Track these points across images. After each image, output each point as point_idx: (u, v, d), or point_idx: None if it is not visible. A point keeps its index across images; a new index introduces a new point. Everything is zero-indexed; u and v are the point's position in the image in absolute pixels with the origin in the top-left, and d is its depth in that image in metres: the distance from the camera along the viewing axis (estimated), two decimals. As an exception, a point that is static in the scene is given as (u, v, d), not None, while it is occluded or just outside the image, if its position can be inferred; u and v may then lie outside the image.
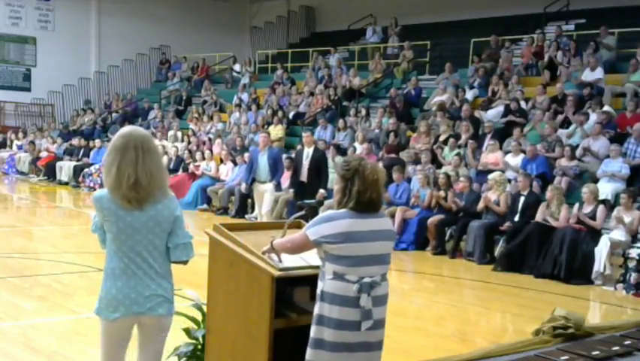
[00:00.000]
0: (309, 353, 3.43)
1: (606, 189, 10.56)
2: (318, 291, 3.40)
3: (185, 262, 3.50)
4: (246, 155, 13.53)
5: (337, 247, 3.32)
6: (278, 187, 11.19)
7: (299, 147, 12.57)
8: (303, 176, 10.70)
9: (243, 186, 11.91)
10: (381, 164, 14.19)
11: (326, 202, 12.33)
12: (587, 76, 13.92)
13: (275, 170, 10.66)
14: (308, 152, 10.76)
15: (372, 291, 3.36)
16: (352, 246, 3.33)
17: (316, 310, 3.40)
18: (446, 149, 12.94)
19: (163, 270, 3.40)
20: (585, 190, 9.67)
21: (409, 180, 12.03)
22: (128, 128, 3.38)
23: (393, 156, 13.64)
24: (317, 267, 3.53)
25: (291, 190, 11.23)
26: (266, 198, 10.79)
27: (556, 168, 11.34)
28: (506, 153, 12.17)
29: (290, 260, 3.63)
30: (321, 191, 10.52)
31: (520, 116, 13.44)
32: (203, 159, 15.45)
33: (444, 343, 6.15)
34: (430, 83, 17.28)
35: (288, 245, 3.53)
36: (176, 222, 3.37)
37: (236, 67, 23.17)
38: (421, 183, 11.53)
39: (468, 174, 11.60)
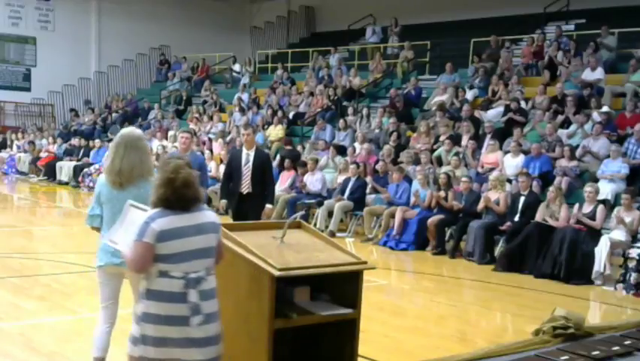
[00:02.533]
0: (135, 350, 3.46)
1: (606, 189, 10.56)
2: (142, 289, 3.47)
3: None
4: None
5: (163, 245, 3.40)
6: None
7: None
8: (244, 186, 7.94)
9: None
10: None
11: (326, 202, 12.38)
12: (587, 76, 13.92)
13: (200, 182, 8.60)
14: (249, 154, 7.99)
15: (199, 286, 3.43)
16: (174, 243, 3.41)
17: (142, 308, 3.45)
18: (440, 150, 12.94)
19: None
20: (589, 189, 9.67)
21: (409, 180, 12.03)
22: (125, 130, 4.56)
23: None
24: (318, 267, 3.53)
25: (223, 201, 8.30)
26: None
27: (556, 168, 11.35)
28: (506, 153, 12.18)
29: (291, 260, 3.63)
30: (268, 206, 7.98)
31: (521, 116, 13.44)
32: (203, 159, 15.42)
33: (444, 343, 6.14)
34: (430, 83, 17.28)
35: (137, 266, 3.48)
36: (148, 198, 4.01)
37: (236, 67, 23.18)
38: (421, 183, 11.53)
39: (467, 174, 11.61)
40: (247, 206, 7.80)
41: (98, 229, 4.46)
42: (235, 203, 7.95)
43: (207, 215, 3.60)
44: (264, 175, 7.93)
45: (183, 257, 3.44)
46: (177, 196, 3.48)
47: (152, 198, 3.55)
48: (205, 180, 8.19)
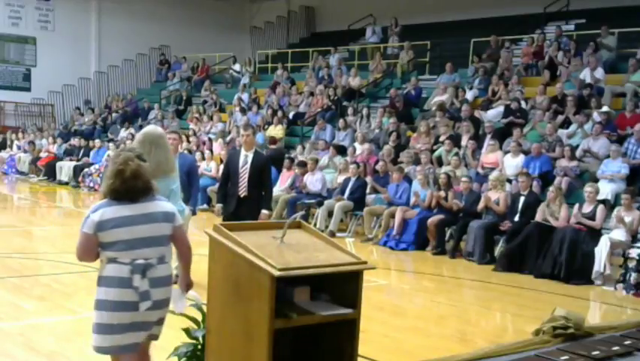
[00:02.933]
0: (95, 338, 3.67)
1: (606, 189, 10.57)
2: (97, 277, 3.69)
3: None
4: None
5: (106, 233, 3.59)
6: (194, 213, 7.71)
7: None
8: (241, 189, 7.49)
9: None
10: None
11: (326, 202, 12.38)
12: (587, 76, 13.93)
13: (189, 186, 7.39)
14: (247, 156, 7.57)
15: (149, 273, 3.62)
16: (117, 231, 3.60)
17: (96, 295, 3.66)
18: (440, 150, 12.93)
19: None
20: (589, 189, 9.66)
21: (409, 180, 12.03)
22: (148, 128, 4.94)
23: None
24: (318, 267, 3.53)
25: (218, 205, 8.01)
26: None
27: (556, 168, 11.36)
28: (506, 153, 12.18)
29: (291, 260, 3.62)
30: (265, 212, 7.48)
31: (521, 116, 13.43)
32: (203, 159, 15.44)
33: (444, 343, 6.15)
34: (430, 83, 17.29)
35: (78, 253, 3.70)
36: (170, 194, 4.72)
37: (236, 67, 23.16)
38: (421, 183, 11.53)
39: (467, 174, 11.61)
40: (244, 210, 7.33)
41: None
42: (234, 206, 7.51)
43: (159, 205, 3.77)
44: (261, 178, 7.55)
45: (130, 244, 3.61)
46: (127, 187, 3.64)
47: (102, 188, 3.73)
48: (195, 181, 7.77)
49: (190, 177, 7.51)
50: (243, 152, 7.64)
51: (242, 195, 7.49)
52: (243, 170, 7.50)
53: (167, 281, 3.76)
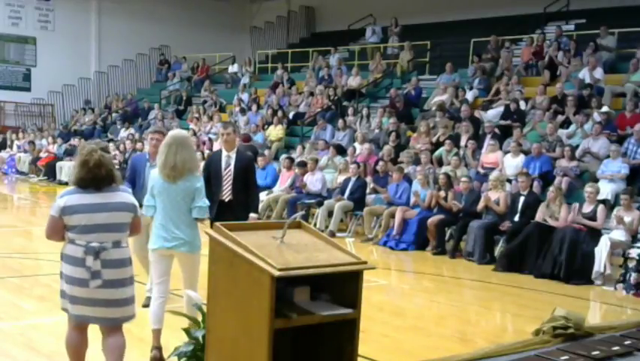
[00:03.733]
0: (60, 301, 4.26)
1: (606, 189, 10.57)
2: (60, 253, 4.21)
3: (202, 220, 5.18)
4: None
5: (69, 217, 4.10)
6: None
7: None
8: (224, 192, 6.84)
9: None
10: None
11: (326, 202, 12.38)
12: (587, 76, 13.92)
13: None
14: (229, 157, 6.86)
15: (102, 255, 4.08)
16: (78, 216, 4.09)
17: (61, 268, 4.20)
18: (440, 150, 12.93)
19: (186, 222, 5.07)
20: (590, 189, 9.66)
21: (409, 180, 12.03)
22: (173, 131, 5.34)
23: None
24: (318, 267, 3.53)
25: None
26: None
27: (556, 168, 11.35)
28: (506, 153, 12.18)
29: (291, 260, 3.62)
30: (252, 216, 6.79)
31: (518, 118, 13.40)
32: (204, 159, 15.42)
33: (444, 343, 6.15)
34: (430, 83, 17.29)
35: (47, 233, 4.23)
36: (195, 191, 5.05)
37: (235, 67, 23.14)
38: (421, 183, 11.52)
39: (467, 174, 11.60)
40: (228, 215, 6.40)
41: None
42: (214, 212, 6.57)
43: (120, 195, 4.23)
44: (246, 180, 6.89)
45: (88, 229, 4.08)
46: (92, 175, 4.10)
47: (71, 178, 4.21)
48: None
49: None
50: (224, 153, 6.89)
51: (226, 200, 6.83)
52: (227, 172, 6.83)
53: (120, 263, 4.16)
